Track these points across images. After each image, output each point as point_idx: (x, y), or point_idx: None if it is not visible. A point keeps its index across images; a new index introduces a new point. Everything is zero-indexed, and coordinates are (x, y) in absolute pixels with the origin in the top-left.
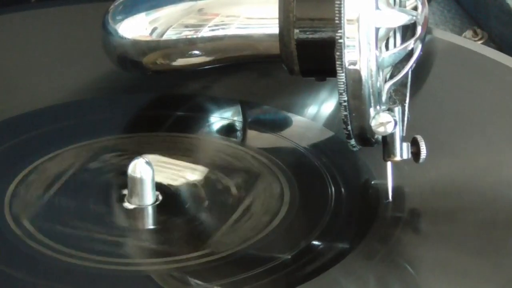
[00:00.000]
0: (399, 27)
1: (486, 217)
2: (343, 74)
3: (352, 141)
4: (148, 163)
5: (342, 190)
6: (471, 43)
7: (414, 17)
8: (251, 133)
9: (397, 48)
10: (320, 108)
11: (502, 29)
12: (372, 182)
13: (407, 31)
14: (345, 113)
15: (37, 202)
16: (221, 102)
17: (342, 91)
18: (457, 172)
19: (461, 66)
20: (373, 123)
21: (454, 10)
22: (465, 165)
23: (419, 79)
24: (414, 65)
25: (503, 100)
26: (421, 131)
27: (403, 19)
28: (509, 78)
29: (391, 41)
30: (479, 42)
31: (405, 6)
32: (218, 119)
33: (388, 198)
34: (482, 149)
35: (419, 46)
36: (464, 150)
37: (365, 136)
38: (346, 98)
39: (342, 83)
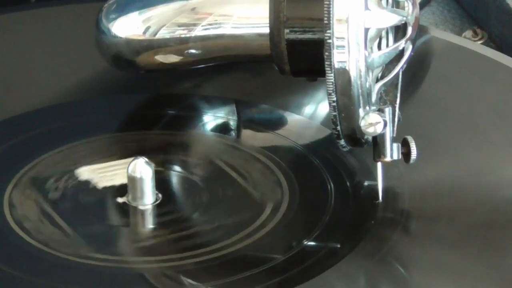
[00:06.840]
0: (391, 27)
1: (483, 218)
2: (332, 74)
3: (342, 142)
4: (147, 162)
5: (341, 189)
6: (471, 43)
7: (405, 18)
8: (248, 132)
9: (387, 49)
10: (317, 106)
11: (502, 29)
12: (365, 184)
13: (399, 31)
14: (334, 113)
15: (36, 201)
16: (217, 101)
17: (331, 91)
18: (456, 173)
19: (461, 66)
20: (362, 123)
21: (454, 10)
22: (463, 166)
23: (418, 79)
24: (404, 66)
25: (502, 100)
26: (420, 131)
27: (393, 19)
28: (509, 78)
29: (384, 41)
30: (479, 42)
31: (403, 7)
32: (214, 118)
33: (378, 199)
34: (481, 149)
35: (410, 47)
36: (462, 151)
37: (355, 136)
38: (335, 99)
39: (331, 83)
